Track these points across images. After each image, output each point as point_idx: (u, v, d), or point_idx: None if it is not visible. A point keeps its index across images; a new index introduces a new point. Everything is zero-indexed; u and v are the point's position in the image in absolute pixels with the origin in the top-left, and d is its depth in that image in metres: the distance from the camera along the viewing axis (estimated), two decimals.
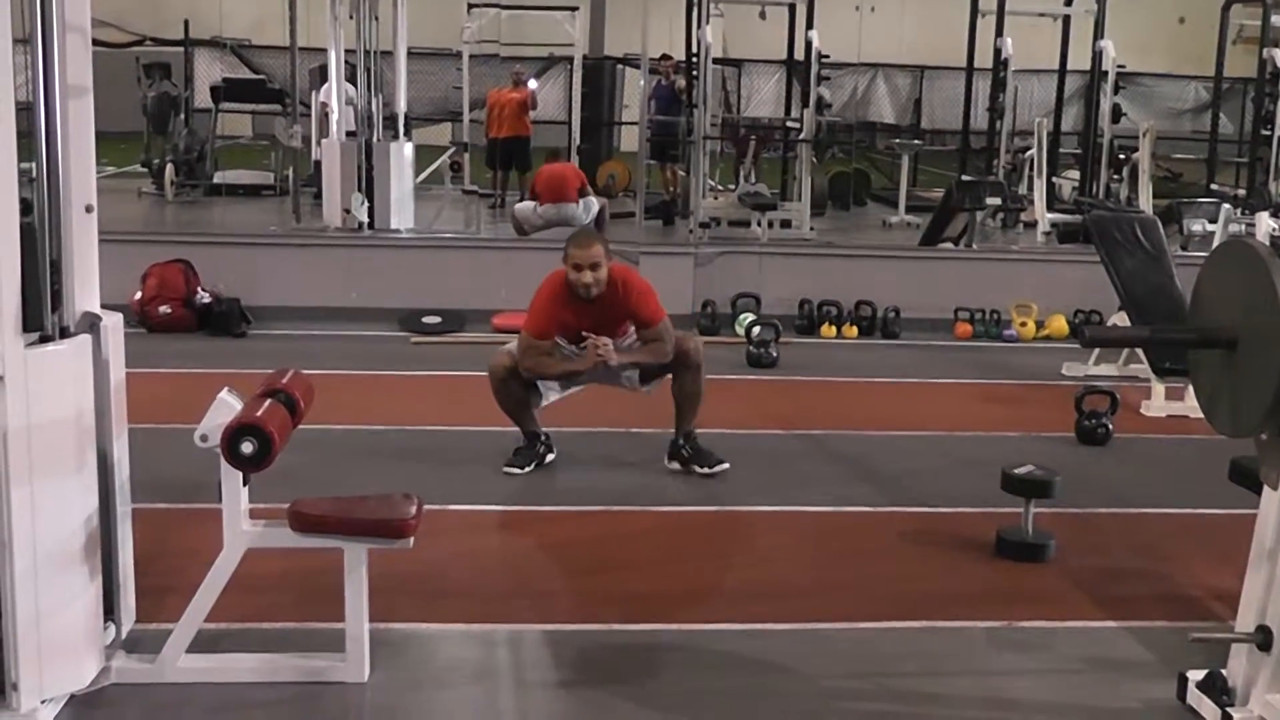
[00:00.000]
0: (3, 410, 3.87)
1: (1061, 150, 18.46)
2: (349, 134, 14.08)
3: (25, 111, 3.99)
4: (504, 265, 11.80)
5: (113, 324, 4.36)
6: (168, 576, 5.02)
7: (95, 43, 4.34)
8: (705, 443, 7.09)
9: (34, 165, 4.01)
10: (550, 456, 7.09)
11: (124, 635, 4.56)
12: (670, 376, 7.05)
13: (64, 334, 4.12)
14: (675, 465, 7.04)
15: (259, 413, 4.30)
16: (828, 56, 17.02)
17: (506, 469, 6.88)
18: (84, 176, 4.25)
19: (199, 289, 10.85)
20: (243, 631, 4.79)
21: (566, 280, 6.90)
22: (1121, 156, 16.95)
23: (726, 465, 6.96)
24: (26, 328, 3.99)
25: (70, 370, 4.10)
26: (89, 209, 4.28)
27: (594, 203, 14.29)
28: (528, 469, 6.92)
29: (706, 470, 6.93)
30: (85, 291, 4.29)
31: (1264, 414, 4.08)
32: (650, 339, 6.98)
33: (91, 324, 4.27)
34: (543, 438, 7.08)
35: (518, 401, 7.03)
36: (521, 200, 14.75)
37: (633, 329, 7.03)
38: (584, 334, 6.86)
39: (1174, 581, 5.77)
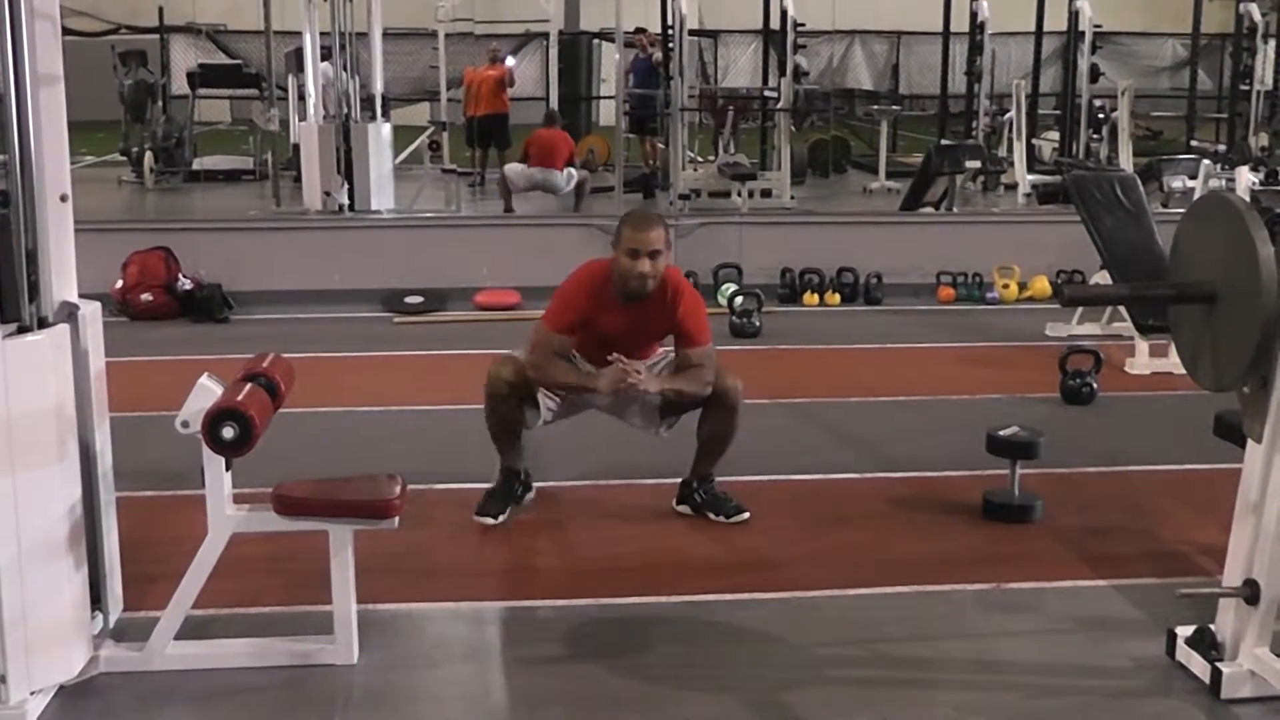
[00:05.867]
0: None
1: (1040, 112, 18.45)
2: (325, 116, 14.06)
3: None
4: (485, 243, 11.81)
5: (91, 313, 4.35)
6: (154, 564, 5.02)
7: (70, 32, 4.34)
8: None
9: (7, 156, 3.99)
10: (529, 496, 6.08)
11: (111, 624, 4.56)
12: (699, 414, 5.94)
13: (42, 324, 4.10)
14: (685, 509, 6.04)
15: (239, 397, 4.29)
16: (803, 25, 16.97)
17: (478, 518, 5.84)
18: (58, 166, 4.23)
19: (180, 276, 10.82)
20: (230, 617, 4.80)
21: (608, 274, 5.75)
22: (1101, 116, 16.95)
23: (747, 515, 5.96)
24: (4, 319, 3.99)
25: (49, 360, 4.08)
26: (64, 198, 4.26)
27: (575, 174, 14.41)
28: (501, 518, 5.86)
29: (724, 520, 5.94)
30: (62, 281, 4.27)
31: (1245, 367, 4.10)
32: (691, 364, 5.77)
33: (69, 313, 4.25)
34: (522, 475, 6.04)
35: (510, 424, 5.89)
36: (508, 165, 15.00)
37: (660, 350, 6.06)
38: (612, 354, 5.68)
39: (1161, 538, 5.78)
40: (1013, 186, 15.56)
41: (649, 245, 5.61)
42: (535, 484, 6.16)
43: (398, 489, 4.47)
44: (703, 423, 5.92)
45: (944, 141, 15.99)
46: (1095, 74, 17.09)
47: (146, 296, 10.62)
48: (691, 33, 16.87)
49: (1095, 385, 8.07)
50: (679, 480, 6.05)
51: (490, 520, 5.82)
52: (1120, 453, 7.10)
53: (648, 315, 5.79)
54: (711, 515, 5.96)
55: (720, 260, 11.44)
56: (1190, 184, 13.03)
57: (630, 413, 6.00)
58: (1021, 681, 4.53)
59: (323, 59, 14.54)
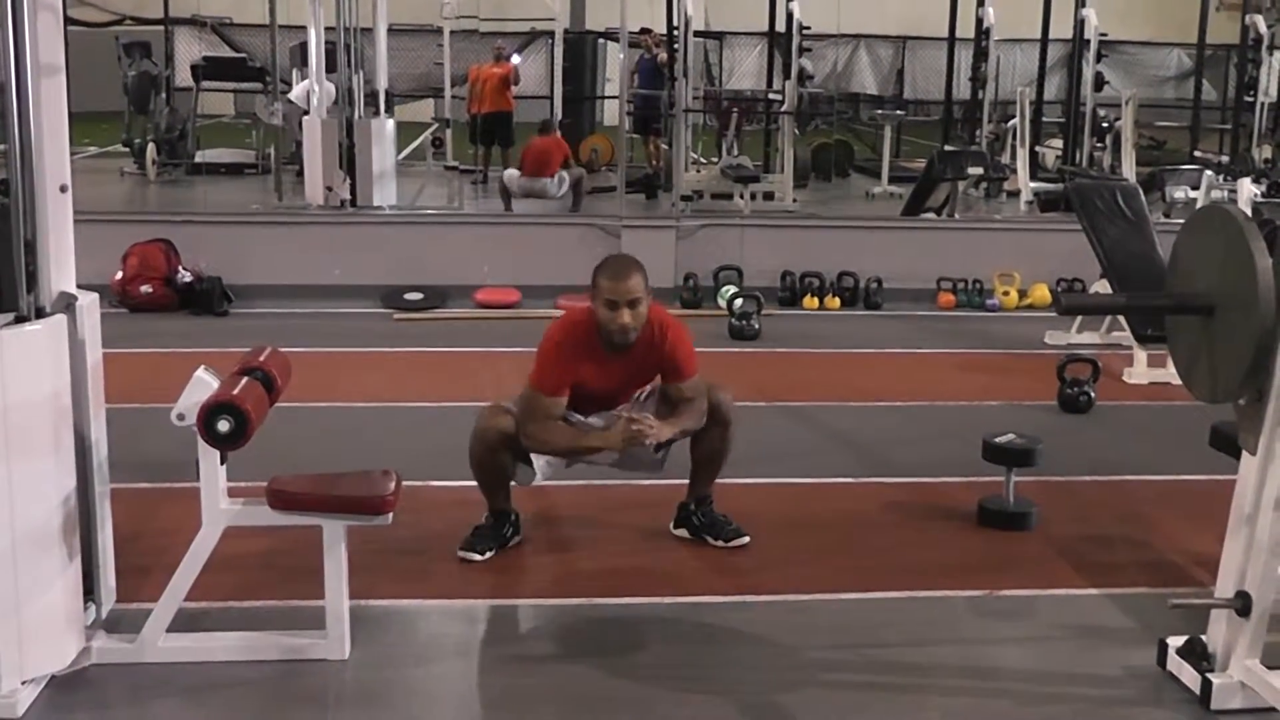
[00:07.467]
0: None
1: (1044, 119, 18.45)
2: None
3: None
4: (486, 241, 11.81)
5: (88, 304, 4.35)
6: (147, 556, 5.03)
7: (74, 22, 4.35)
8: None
9: (7, 146, 4.00)
10: (516, 539, 5.65)
11: (104, 615, 4.57)
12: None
13: (39, 314, 4.11)
14: (683, 533, 5.78)
15: (235, 391, 4.30)
16: (809, 28, 17.00)
17: (462, 554, 5.46)
18: (58, 156, 4.24)
19: (180, 268, 10.81)
20: (223, 610, 4.80)
21: (590, 326, 5.38)
22: (1104, 125, 16.95)
23: (747, 539, 5.68)
24: (1, 309, 3.99)
25: (46, 351, 4.09)
26: (63, 189, 4.26)
27: (566, 176, 14.42)
28: (488, 555, 5.48)
29: (722, 544, 5.67)
30: (61, 272, 4.28)
31: (1241, 379, 4.10)
32: (684, 396, 5.46)
33: (67, 304, 4.26)
34: (512, 518, 5.64)
35: (499, 476, 5.54)
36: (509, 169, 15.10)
37: (647, 387, 5.66)
38: (619, 410, 5.46)
39: (1155, 548, 5.79)
40: (1015, 194, 15.53)
41: (628, 295, 5.26)
42: (533, 483, 5.88)
43: (392, 485, 4.47)
44: (696, 442, 5.63)
45: (947, 147, 15.99)
46: (1100, 82, 17.10)
47: (146, 288, 10.62)
48: (697, 34, 16.87)
49: (1093, 394, 8.07)
50: (674, 482, 6.00)
51: (476, 557, 5.45)
52: (1116, 462, 7.11)
53: (638, 360, 5.48)
54: (710, 539, 5.69)
55: (721, 262, 11.44)
56: (1192, 194, 13.05)
57: (632, 463, 5.65)
58: (1013, 688, 4.54)
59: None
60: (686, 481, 5.79)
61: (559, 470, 5.69)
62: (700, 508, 5.76)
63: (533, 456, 5.51)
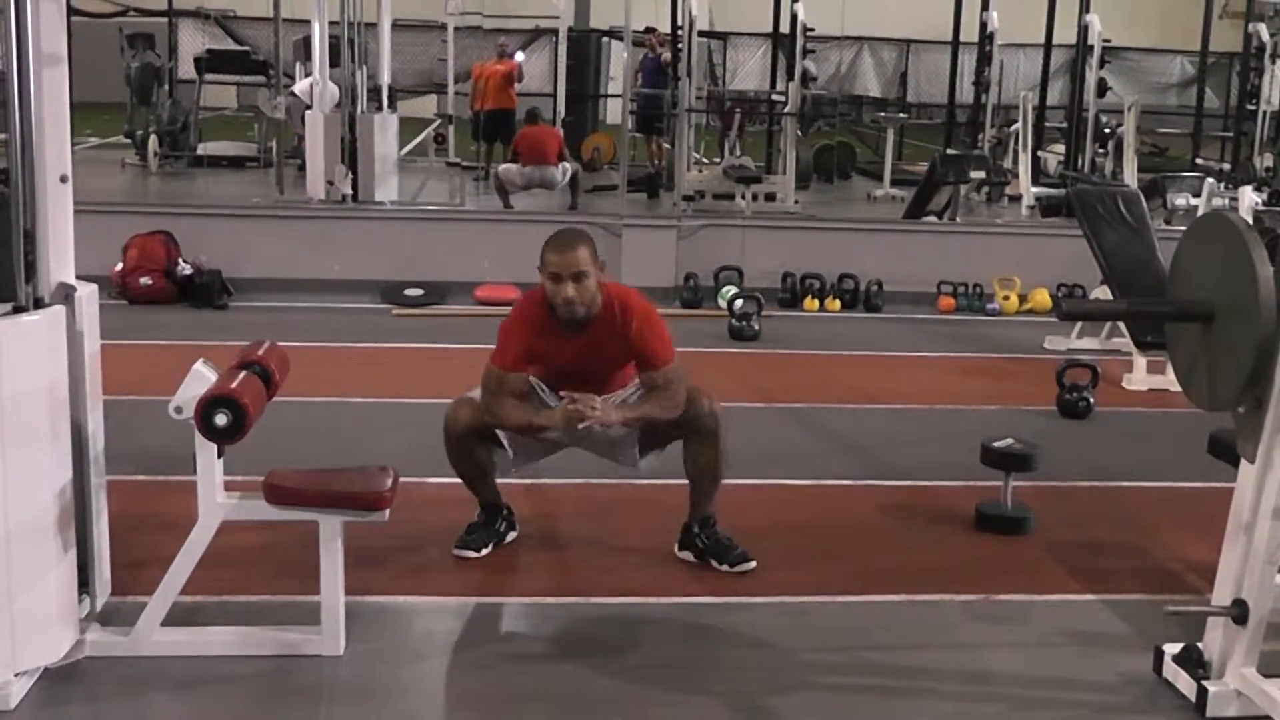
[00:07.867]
0: None
1: (1047, 124, 18.47)
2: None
3: None
4: (487, 238, 11.80)
5: (87, 295, 4.34)
6: (143, 549, 5.01)
7: (78, 13, 4.35)
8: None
9: (8, 135, 3.99)
10: (512, 535, 5.63)
11: (99, 608, 4.55)
12: (680, 445, 5.44)
13: (38, 305, 4.09)
14: (687, 555, 5.51)
15: (233, 384, 4.29)
16: (813, 29, 17.00)
17: (457, 552, 5.42)
18: (59, 146, 4.22)
19: (180, 260, 10.80)
20: (218, 604, 4.79)
21: (544, 300, 5.26)
22: (1107, 131, 16.97)
23: (754, 564, 5.42)
24: (0, 299, 3.98)
25: (44, 341, 4.08)
26: (64, 179, 4.25)
27: (568, 168, 14.45)
28: (484, 551, 5.46)
29: (727, 569, 5.40)
30: (60, 262, 4.26)
31: (1240, 387, 4.10)
32: (654, 385, 5.27)
33: (66, 295, 4.25)
34: (504, 512, 5.61)
35: (477, 466, 5.45)
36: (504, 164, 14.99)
37: (634, 378, 5.45)
38: (562, 391, 5.27)
39: (1152, 555, 5.78)
40: (1016, 198, 15.56)
41: (571, 268, 5.11)
42: (525, 480, 5.99)
43: (389, 481, 4.47)
44: (685, 456, 5.42)
45: (949, 151, 16.00)
46: (1103, 88, 17.13)
47: (145, 280, 10.61)
48: (701, 34, 16.89)
49: (1092, 400, 8.06)
50: (671, 482, 5.95)
51: (472, 554, 5.42)
52: (1114, 468, 7.10)
53: (600, 341, 5.30)
54: (715, 563, 5.43)
55: (722, 263, 11.44)
56: (1193, 202, 13.04)
57: (603, 447, 5.52)
58: (1007, 693, 4.53)
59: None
60: (685, 482, 5.64)
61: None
62: (704, 530, 5.51)
63: (500, 435, 5.40)
